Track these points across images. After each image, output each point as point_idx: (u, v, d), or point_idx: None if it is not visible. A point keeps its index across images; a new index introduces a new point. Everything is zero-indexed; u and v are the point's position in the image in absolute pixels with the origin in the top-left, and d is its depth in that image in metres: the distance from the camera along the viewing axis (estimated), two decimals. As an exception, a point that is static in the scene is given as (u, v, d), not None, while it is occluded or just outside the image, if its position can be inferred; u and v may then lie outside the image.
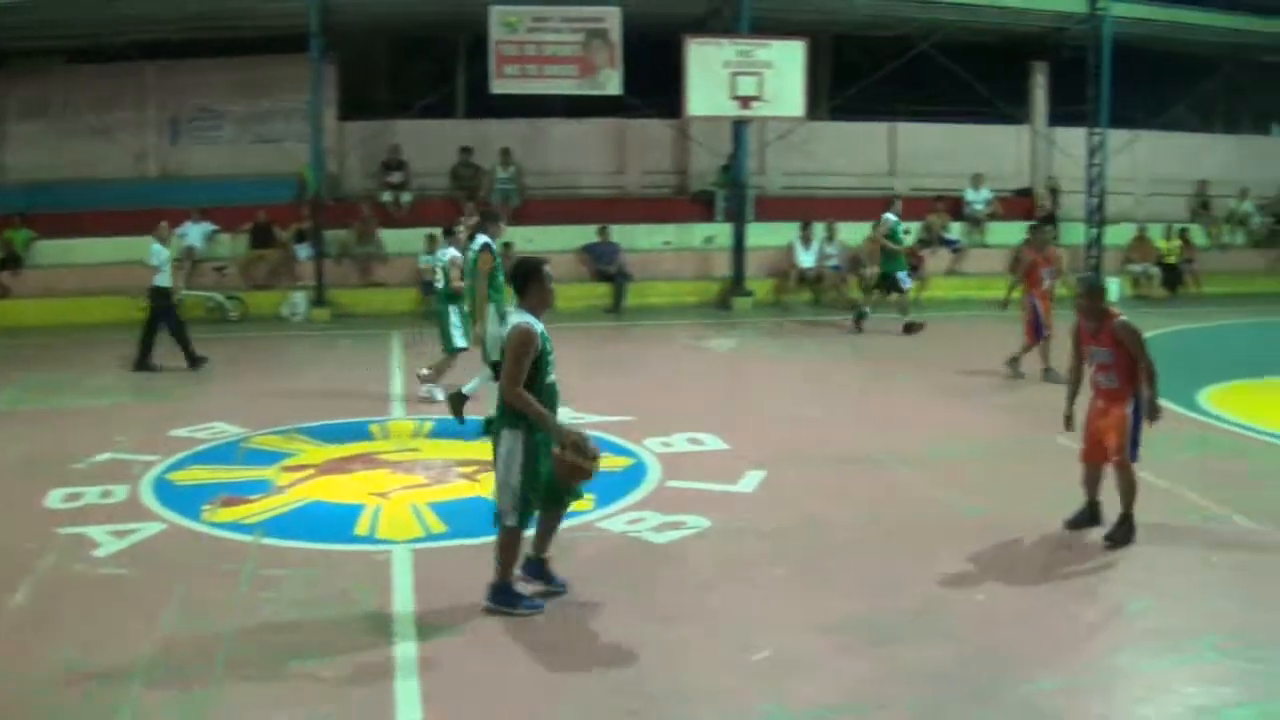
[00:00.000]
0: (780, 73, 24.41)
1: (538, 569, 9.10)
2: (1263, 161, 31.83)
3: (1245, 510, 11.33)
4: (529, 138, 26.62)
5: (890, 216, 21.97)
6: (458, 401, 14.12)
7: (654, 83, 24.85)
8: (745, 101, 24.27)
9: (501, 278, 14.18)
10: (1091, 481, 11.04)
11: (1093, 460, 10.96)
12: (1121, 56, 27.07)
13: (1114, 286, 25.75)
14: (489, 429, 13.43)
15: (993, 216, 28.10)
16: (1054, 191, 29.08)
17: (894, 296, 21.74)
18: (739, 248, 25.36)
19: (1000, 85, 28.66)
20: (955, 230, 27.71)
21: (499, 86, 23.76)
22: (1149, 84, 29.24)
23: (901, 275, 21.71)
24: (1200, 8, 28.53)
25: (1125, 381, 10.65)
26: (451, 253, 15.87)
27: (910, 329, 21.32)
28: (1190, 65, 30.70)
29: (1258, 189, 31.30)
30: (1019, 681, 7.83)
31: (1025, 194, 29.67)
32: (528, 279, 8.69)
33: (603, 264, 24.67)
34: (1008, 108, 29.10)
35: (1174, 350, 18.60)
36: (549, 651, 8.10)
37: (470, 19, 24.03)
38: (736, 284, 25.34)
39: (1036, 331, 17.49)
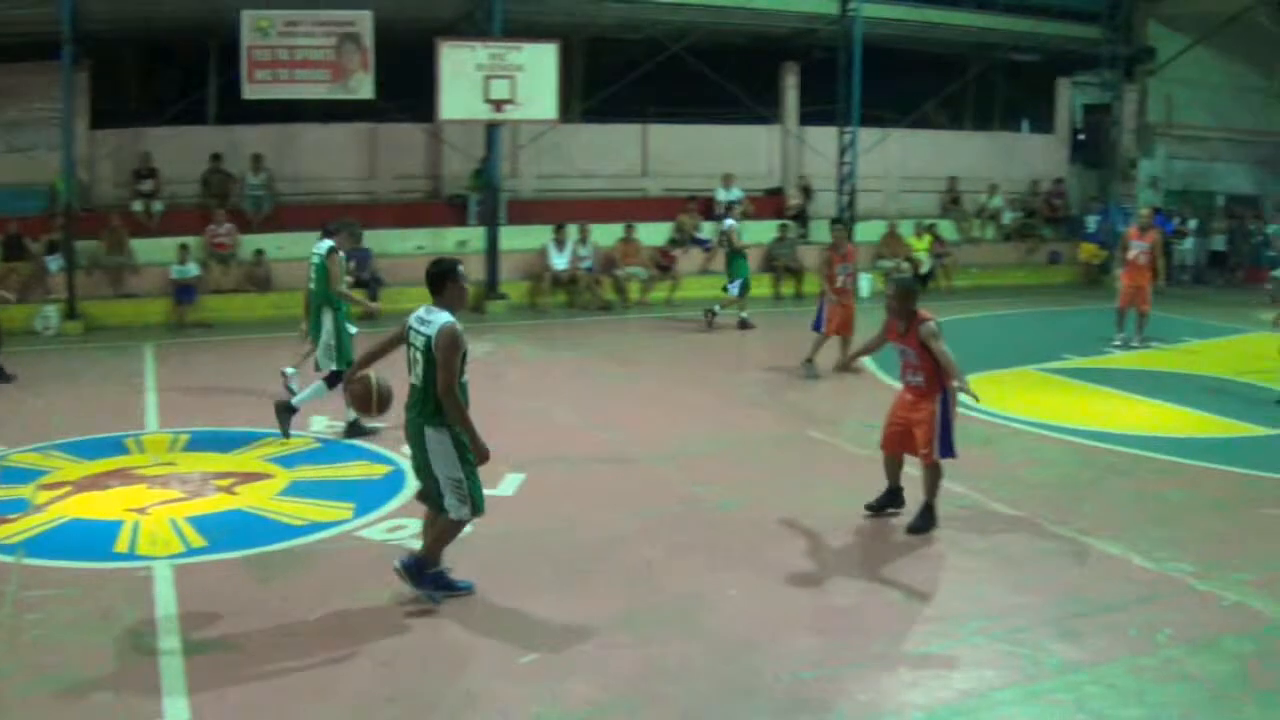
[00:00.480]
0: (533, 76, 25.74)
1: (438, 579, 9.72)
2: (1012, 157, 35.34)
3: (1001, 496, 12.77)
4: (280, 143, 27.47)
5: (731, 222, 24.57)
6: (285, 413, 14.61)
7: (407, 86, 25.99)
8: (498, 105, 25.54)
9: (343, 286, 15.25)
10: (892, 470, 12.14)
11: (892, 451, 12.05)
12: (872, 56, 29.73)
13: (865, 283, 28.14)
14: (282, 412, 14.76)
15: (744, 215, 29.70)
16: (806, 190, 31.54)
17: (725, 294, 24.12)
18: (492, 251, 26.76)
19: (752, 86, 30.98)
20: (707, 230, 29.57)
21: (251, 92, 24.61)
22: (900, 83, 31.87)
23: (733, 284, 24.04)
24: (949, 7, 31.18)
25: (932, 380, 11.63)
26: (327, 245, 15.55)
27: (709, 316, 23.93)
28: (940, 64, 33.64)
29: (1008, 184, 34.57)
30: (782, 672, 8.51)
31: (777, 193, 32.07)
32: (444, 279, 9.52)
33: (355, 270, 24.78)
34: (760, 108, 31.44)
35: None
36: (317, 663, 8.53)
37: (221, 24, 24.79)
38: (490, 288, 26.63)
39: (818, 323, 19.42)
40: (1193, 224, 33.87)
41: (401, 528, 11.40)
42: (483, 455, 9.47)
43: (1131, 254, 22.67)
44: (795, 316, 25.06)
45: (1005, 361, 19.93)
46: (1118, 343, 22.66)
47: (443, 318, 9.32)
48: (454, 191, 29.09)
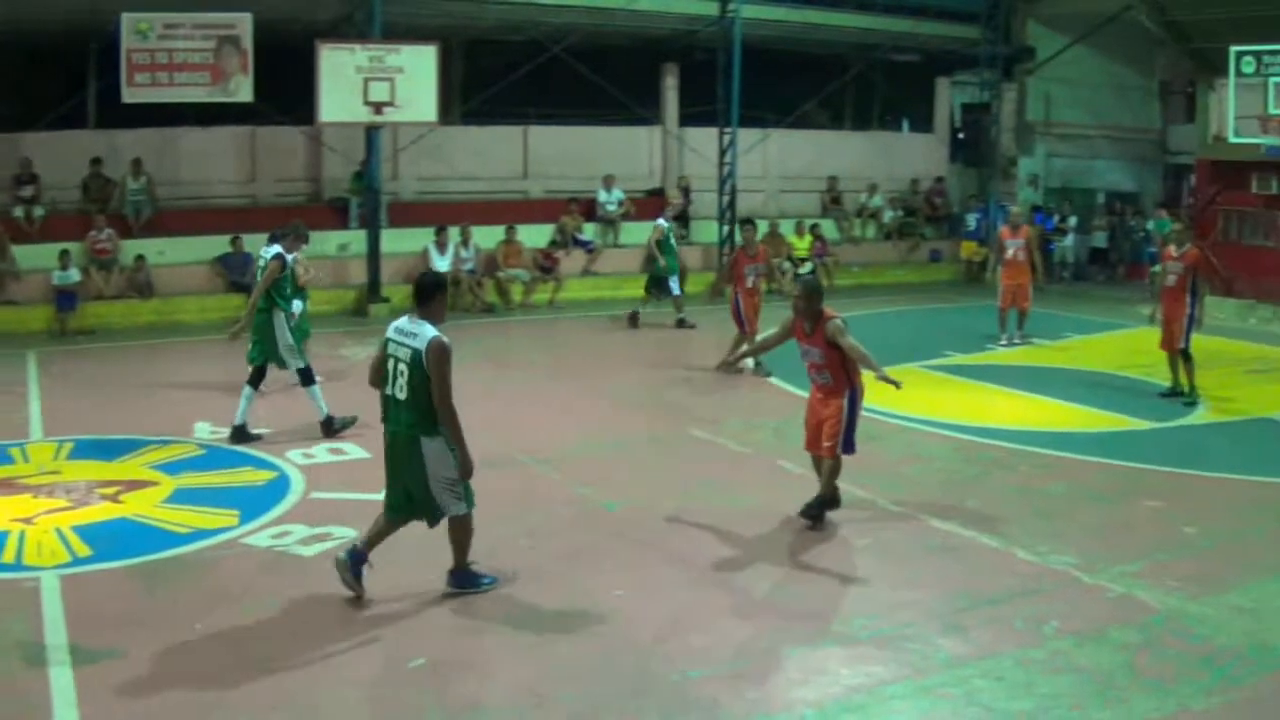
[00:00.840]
0: (412, 77, 26.43)
1: (360, 558, 10.27)
2: (892, 156, 36.96)
3: (886, 493, 13.42)
4: (160, 147, 27.70)
5: (663, 222, 25.74)
6: (329, 427, 15.75)
7: (287, 89, 26.43)
8: (378, 107, 26.22)
9: (289, 289, 16.15)
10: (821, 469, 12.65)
11: (815, 451, 12.59)
12: (752, 56, 31.01)
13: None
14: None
15: (625, 216, 31.32)
16: (686, 191, 32.66)
17: (667, 299, 25.48)
18: (374, 254, 27.38)
19: (633, 87, 31.95)
20: (589, 231, 30.94)
21: (130, 95, 24.86)
22: (780, 83, 33.37)
23: (672, 280, 25.43)
24: (828, 8, 32.53)
25: (840, 378, 12.25)
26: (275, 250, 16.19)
27: (682, 325, 25.13)
28: (820, 64, 35.06)
29: (889, 183, 36.11)
30: (670, 672, 8.84)
31: (657, 194, 33.07)
32: (434, 292, 10.13)
33: (237, 275, 26.01)
34: (640, 109, 32.53)
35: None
36: (204, 672, 8.75)
37: (101, 27, 25.04)
38: (373, 291, 27.32)
39: (740, 321, 20.26)
40: (1073, 221, 35.32)
41: (287, 534, 11.83)
42: (468, 469, 10.10)
43: (1009, 254, 23.84)
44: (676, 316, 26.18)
45: (888, 359, 18.77)
46: (1003, 342, 23.86)
47: (429, 330, 9.87)
48: (335, 194, 29.66)
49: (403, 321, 10.14)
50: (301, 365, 16.12)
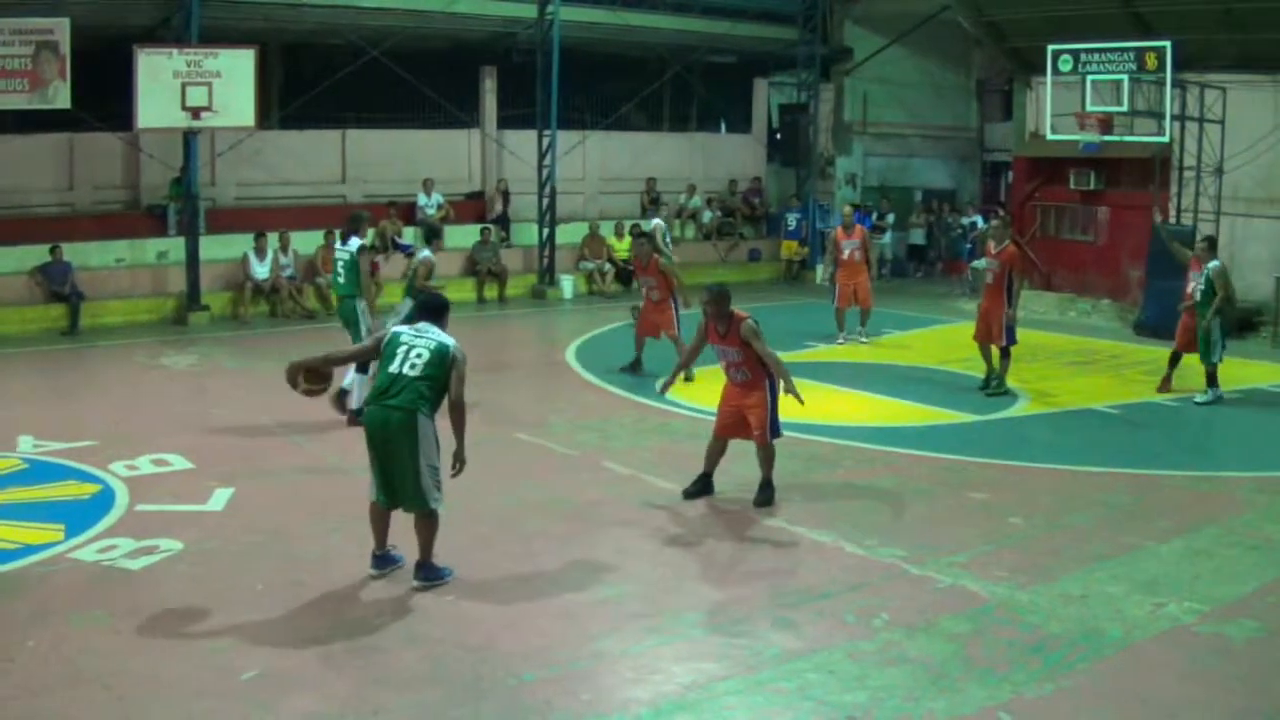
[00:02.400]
0: (230, 82, 27.16)
1: (384, 560, 11.24)
2: (710, 157, 39.26)
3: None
4: None
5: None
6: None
7: (106, 95, 27.05)
8: (196, 112, 26.93)
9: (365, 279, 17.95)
10: (713, 457, 13.65)
11: (725, 436, 13.60)
12: (570, 59, 32.62)
13: (568, 284, 31.13)
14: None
15: (445, 220, 32.72)
16: (505, 194, 34.54)
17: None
18: (193, 262, 28.08)
19: (452, 90, 33.67)
20: (409, 235, 31.82)
21: None
22: (598, 85, 35.76)
23: None
24: (646, 10, 34.64)
25: (757, 374, 13.15)
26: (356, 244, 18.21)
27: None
28: (638, 66, 37.24)
29: (707, 184, 38.40)
30: (503, 677, 9.09)
31: (477, 197, 35.04)
32: (443, 311, 11.33)
33: (57, 285, 26.77)
34: (459, 113, 34.27)
35: (630, 344, 21.98)
36: (36, 689, 8.84)
37: None
38: (192, 299, 28.13)
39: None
40: (890, 219, 37.70)
41: (114, 547, 12.00)
42: (463, 461, 11.13)
43: (845, 254, 25.40)
44: (499, 320, 28.15)
45: (707, 358, 18.48)
46: (840, 340, 25.34)
47: (450, 337, 11.08)
48: (153, 201, 30.34)
49: (419, 326, 11.20)
50: None
